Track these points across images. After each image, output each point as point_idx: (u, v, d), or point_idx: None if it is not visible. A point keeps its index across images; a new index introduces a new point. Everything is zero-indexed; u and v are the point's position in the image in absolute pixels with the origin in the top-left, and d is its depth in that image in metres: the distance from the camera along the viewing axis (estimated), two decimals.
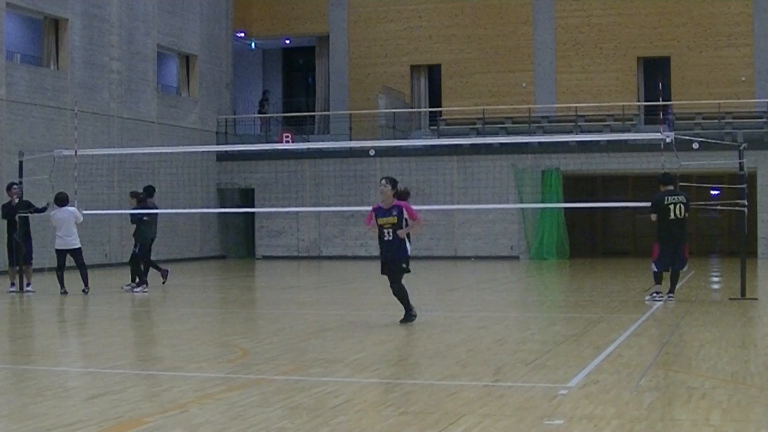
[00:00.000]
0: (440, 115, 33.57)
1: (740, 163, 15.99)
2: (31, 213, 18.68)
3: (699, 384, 8.13)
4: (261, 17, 36.27)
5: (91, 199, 24.73)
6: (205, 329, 13.22)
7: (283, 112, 36.65)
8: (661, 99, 30.62)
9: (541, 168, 29.84)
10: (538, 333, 12.09)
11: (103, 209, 24.91)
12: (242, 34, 36.10)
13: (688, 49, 32.21)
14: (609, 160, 28.66)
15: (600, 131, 29.70)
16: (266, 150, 30.91)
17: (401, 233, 12.33)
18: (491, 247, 30.34)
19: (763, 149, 28.25)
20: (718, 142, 20.54)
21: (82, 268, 18.21)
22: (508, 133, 31.22)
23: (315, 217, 31.54)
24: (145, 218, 18.86)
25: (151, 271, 19.27)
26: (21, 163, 19.31)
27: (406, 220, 12.41)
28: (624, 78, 32.76)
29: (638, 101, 32.59)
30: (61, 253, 18.14)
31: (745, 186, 16.03)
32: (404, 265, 12.43)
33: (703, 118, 30.52)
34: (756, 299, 15.77)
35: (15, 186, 18.89)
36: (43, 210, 18.81)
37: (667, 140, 16.35)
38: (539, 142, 28.19)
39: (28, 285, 18.42)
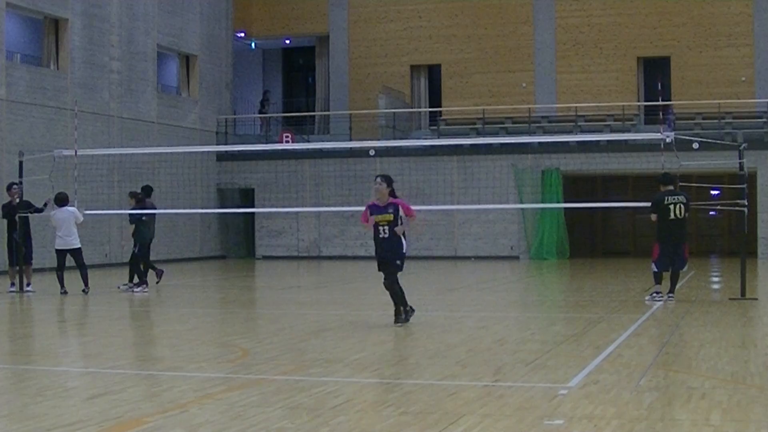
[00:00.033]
0: (440, 115, 33.57)
1: (740, 163, 15.99)
2: (31, 213, 18.68)
3: (699, 384, 8.13)
4: (261, 17, 36.27)
5: (91, 199, 24.72)
6: (205, 329, 13.22)
7: (283, 112, 36.65)
8: (660, 99, 30.61)
9: (541, 168, 29.85)
10: (538, 333, 12.08)
11: (103, 209, 24.90)
12: (242, 34, 36.10)
13: (688, 49, 32.22)
14: (609, 160, 28.65)
15: (600, 131, 29.70)
16: (266, 150, 30.91)
17: (398, 230, 12.29)
18: (491, 247, 30.34)
19: (763, 149, 28.26)
20: (718, 142, 20.53)
21: (82, 268, 18.21)
22: (508, 133, 31.23)
23: (315, 217, 31.55)
24: (143, 218, 18.86)
25: (153, 271, 19.27)
26: (21, 163, 19.30)
27: (401, 217, 12.36)
28: (624, 78, 32.76)
29: (638, 101, 32.59)
30: (61, 253, 18.14)
31: (745, 186, 16.03)
32: (398, 262, 12.36)
33: (703, 118, 30.53)
34: (756, 299, 15.77)
35: (15, 186, 18.89)
36: (43, 209, 18.80)
37: (667, 140, 16.35)
38: (539, 142, 28.19)
39: (28, 285, 18.42)
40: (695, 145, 17.69)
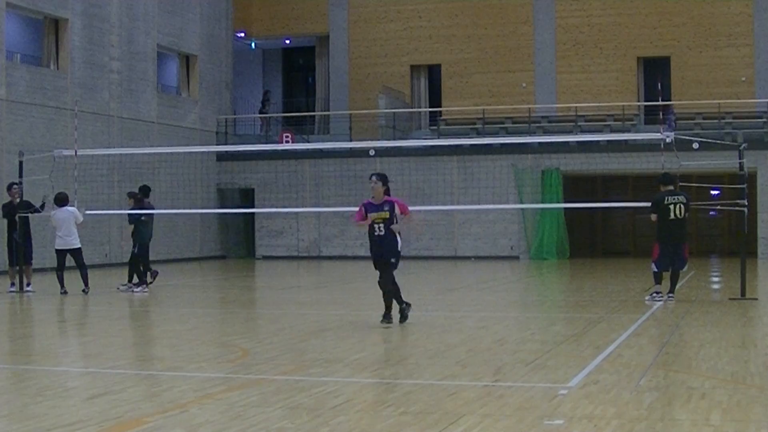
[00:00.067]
0: (440, 115, 33.57)
1: (740, 163, 15.99)
2: (31, 213, 18.68)
3: (699, 384, 8.13)
4: (261, 17, 36.27)
5: (91, 199, 24.72)
6: (205, 329, 13.22)
7: (283, 112, 36.65)
8: (660, 99, 30.62)
9: (541, 168, 29.85)
10: (538, 333, 12.08)
11: (103, 209, 24.88)
12: (242, 34, 36.10)
13: (688, 49, 32.22)
14: (609, 160, 28.65)
15: (600, 131, 29.70)
16: (266, 150, 30.91)
17: (395, 228, 12.27)
18: (491, 247, 30.34)
19: (763, 149, 28.25)
20: (718, 142, 20.53)
21: (82, 268, 18.20)
22: (508, 133, 31.23)
23: (315, 217, 31.55)
24: (142, 218, 18.85)
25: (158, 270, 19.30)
26: (21, 163, 19.29)
27: (396, 216, 12.35)
28: (624, 78, 32.76)
29: (638, 101, 32.59)
30: (61, 253, 18.14)
31: (745, 186, 16.03)
32: (393, 260, 12.35)
33: (703, 118, 30.53)
34: (756, 299, 15.77)
35: (15, 186, 18.89)
36: (42, 208, 18.78)
37: (667, 140, 16.35)
38: (539, 142, 28.19)
39: (28, 285, 18.42)
40: (695, 145, 17.69)
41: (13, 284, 18.48)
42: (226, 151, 31.47)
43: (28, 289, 18.36)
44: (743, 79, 31.57)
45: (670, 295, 15.31)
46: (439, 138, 30.40)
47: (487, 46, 33.68)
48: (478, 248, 30.37)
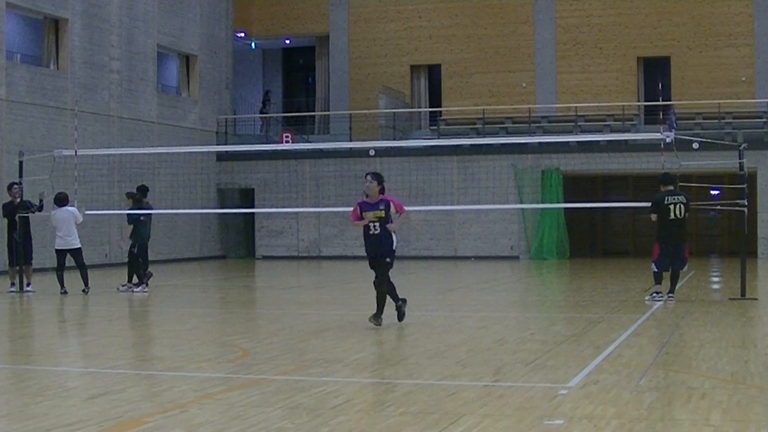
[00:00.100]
0: (440, 115, 33.57)
1: (740, 163, 15.99)
2: (32, 213, 18.67)
3: (699, 384, 8.13)
4: (261, 17, 36.27)
5: (91, 199, 24.73)
6: (205, 329, 13.22)
7: (283, 112, 36.65)
8: (661, 99, 30.64)
9: (541, 168, 29.85)
10: (538, 333, 12.08)
11: (103, 209, 24.88)
12: (242, 34, 36.11)
13: (688, 49, 32.22)
14: (609, 160, 28.66)
15: (600, 131, 29.70)
16: (266, 150, 30.91)
17: (391, 227, 12.25)
18: (491, 247, 30.34)
19: (763, 149, 28.26)
20: (718, 142, 20.53)
21: (82, 268, 18.21)
22: (508, 133, 31.23)
23: (315, 217, 31.55)
24: (141, 218, 18.84)
25: (153, 271, 19.24)
26: (21, 163, 19.29)
27: (392, 215, 12.32)
28: (624, 78, 32.76)
29: (638, 101, 32.60)
30: (61, 253, 18.14)
31: (745, 186, 16.03)
32: (388, 260, 12.31)
33: (703, 118, 30.54)
34: (756, 299, 15.77)
35: (15, 186, 18.89)
36: (41, 205, 18.76)
37: (667, 140, 16.35)
38: (539, 142, 28.20)
39: (28, 285, 18.42)
40: (695, 145, 17.69)
41: (13, 284, 18.48)
42: (226, 151, 31.48)
43: (28, 289, 18.36)
44: (743, 79, 31.57)
45: (670, 295, 15.31)
46: (439, 138, 30.40)
47: (487, 46, 33.68)
48: (478, 248, 30.37)
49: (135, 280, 18.75)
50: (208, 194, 32.06)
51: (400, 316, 12.47)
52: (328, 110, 35.17)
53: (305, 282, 22.98)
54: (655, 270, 15.47)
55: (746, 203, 16.03)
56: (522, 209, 29.62)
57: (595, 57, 32.86)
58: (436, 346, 10.64)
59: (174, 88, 32.25)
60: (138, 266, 18.78)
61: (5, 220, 19.04)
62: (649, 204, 15.64)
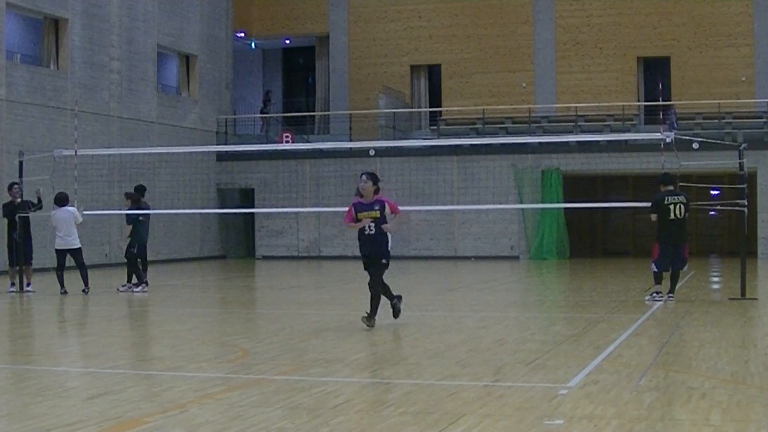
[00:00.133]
0: (440, 115, 33.57)
1: (740, 163, 15.99)
2: (32, 212, 18.67)
3: (699, 384, 8.13)
4: (261, 17, 36.27)
5: (91, 199, 24.73)
6: (205, 329, 13.22)
7: (283, 112, 36.65)
8: (661, 99, 30.64)
9: (541, 168, 29.85)
10: (538, 333, 12.08)
11: (103, 209, 24.89)
12: (242, 34, 36.11)
13: (688, 49, 32.22)
14: (609, 160, 28.66)
15: (600, 131, 29.70)
16: (266, 150, 30.91)
17: (386, 228, 12.22)
18: (491, 247, 30.34)
19: (763, 149, 28.25)
20: (718, 142, 20.53)
21: (82, 268, 18.21)
22: (508, 133, 31.23)
23: (315, 217, 31.55)
24: (140, 218, 18.84)
25: (153, 271, 19.25)
26: (21, 163, 19.29)
27: (387, 215, 12.30)
28: (624, 78, 32.77)
29: (638, 101, 32.60)
30: (61, 253, 18.14)
31: (745, 186, 16.03)
32: (384, 261, 12.27)
33: (703, 118, 30.54)
34: (756, 299, 15.77)
35: (15, 186, 18.89)
36: (39, 203, 18.75)
37: (667, 140, 16.35)
38: (539, 142, 28.19)
39: (28, 285, 18.43)
40: (695, 145, 17.70)
41: (13, 284, 18.49)
42: (226, 151, 31.48)
43: (28, 289, 18.36)
44: (743, 79, 31.57)
45: (670, 295, 15.31)
46: (439, 138, 30.40)
47: (487, 46, 33.69)
48: (478, 248, 30.37)
49: (135, 280, 18.75)
50: (208, 194, 32.06)
51: (396, 313, 12.47)
52: (328, 110, 35.17)
53: (305, 282, 22.97)
54: (655, 270, 15.47)
55: (746, 203, 16.03)
56: (522, 209, 29.62)
57: (595, 57, 32.87)
58: (436, 346, 10.64)
59: (174, 88, 32.25)
60: (138, 266, 18.79)
61: (5, 220, 19.04)
62: (649, 204, 15.64)
